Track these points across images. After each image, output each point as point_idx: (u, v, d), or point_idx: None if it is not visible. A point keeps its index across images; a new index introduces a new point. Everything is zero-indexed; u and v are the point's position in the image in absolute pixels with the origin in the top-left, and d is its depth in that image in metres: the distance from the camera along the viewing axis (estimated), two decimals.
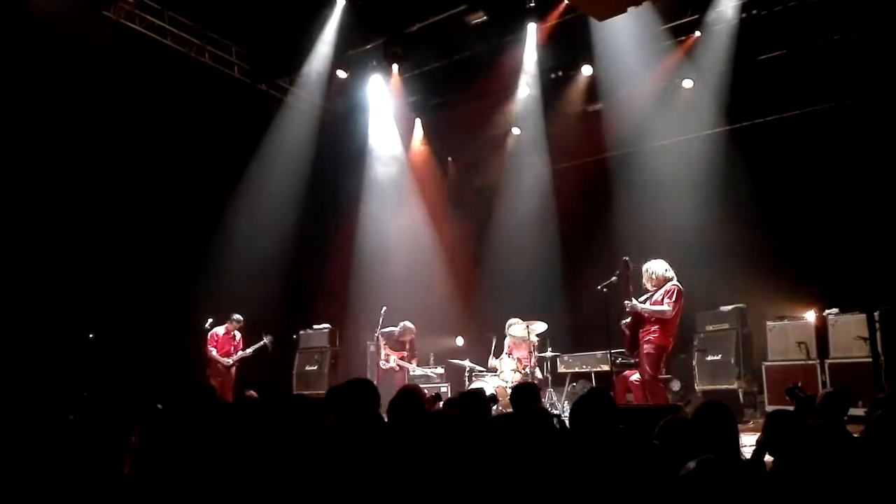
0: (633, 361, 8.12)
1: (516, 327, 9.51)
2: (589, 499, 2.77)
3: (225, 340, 9.94)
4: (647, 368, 6.87)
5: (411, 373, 10.21)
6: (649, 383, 6.87)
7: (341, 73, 11.32)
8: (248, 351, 9.96)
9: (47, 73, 8.53)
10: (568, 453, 3.07)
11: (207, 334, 9.84)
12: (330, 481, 3.08)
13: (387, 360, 10.14)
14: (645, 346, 6.92)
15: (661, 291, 7.03)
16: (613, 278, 7.25)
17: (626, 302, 7.07)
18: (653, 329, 6.95)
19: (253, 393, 4.76)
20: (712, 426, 3.19)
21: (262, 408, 3.80)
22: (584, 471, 2.86)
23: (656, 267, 7.16)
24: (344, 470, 3.13)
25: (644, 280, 7.20)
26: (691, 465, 2.23)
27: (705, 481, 2.19)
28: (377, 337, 10.25)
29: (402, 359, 10.16)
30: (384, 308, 10.19)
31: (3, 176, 8.32)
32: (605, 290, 7.30)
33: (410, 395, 4.28)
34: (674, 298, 6.91)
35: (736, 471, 2.27)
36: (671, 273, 7.14)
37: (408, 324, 10.12)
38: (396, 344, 10.20)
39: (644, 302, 7.06)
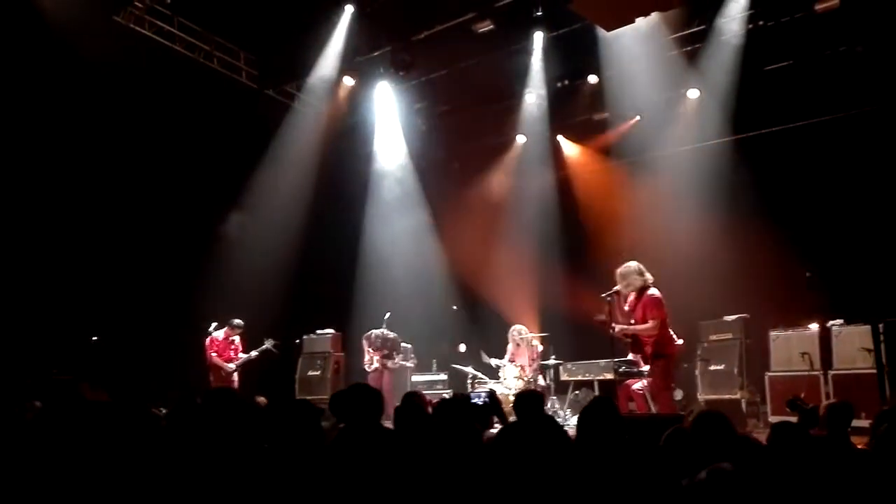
0: (635, 371, 8.12)
1: (518, 334, 9.56)
2: None
3: (224, 345, 9.89)
4: (659, 380, 6.86)
5: (394, 367, 10.20)
6: (659, 393, 6.86)
7: (349, 80, 11.37)
8: (254, 353, 9.92)
9: (57, 78, 8.58)
10: (574, 463, 3.08)
11: (208, 339, 9.85)
12: (332, 487, 3.09)
13: (371, 363, 10.14)
14: (653, 358, 6.91)
15: (641, 305, 6.99)
16: (617, 287, 7.26)
17: (611, 332, 7.07)
18: (650, 341, 6.94)
19: (263, 399, 4.79)
20: (710, 435, 3.20)
21: (267, 413, 3.81)
22: (591, 481, 2.87)
23: (635, 269, 7.09)
24: (346, 475, 3.14)
25: (622, 284, 7.10)
26: (703, 474, 2.24)
27: (717, 490, 2.20)
28: (363, 342, 10.31)
29: (383, 357, 10.13)
30: (388, 314, 10.21)
31: (10, 179, 8.35)
32: (608, 298, 7.30)
33: (412, 401, 4.30)
34: (655, 312, 6.87)
35: (746, 480, 2.28)
36: (647, 276, 7.07)
37: (386, 331, 10.16)
38: (379, 344, 10.19)
39: (630, 316, 7.07)
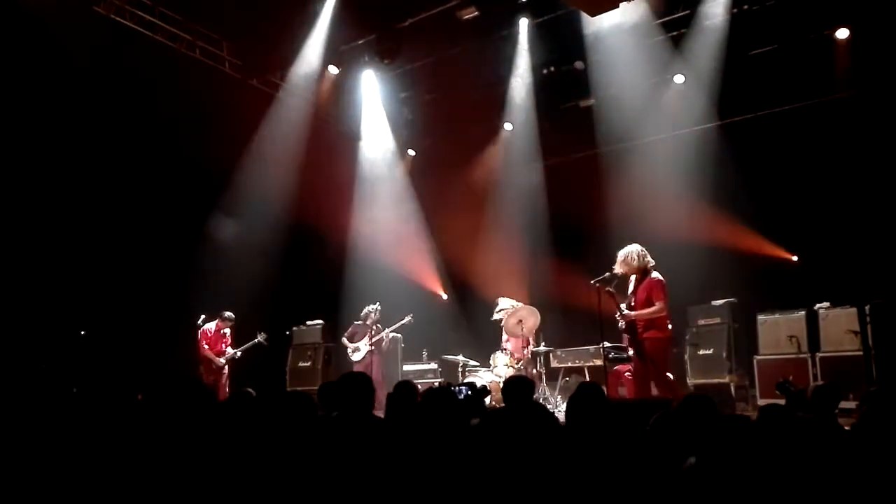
0: (625, 356, 8.15)
1: (503, 302, 9.60)
2: (583, 492, 2.79)
3: (216, 338, 9.88)
4: (655, 365, 6.87)
5: (385, 341, 10.25)
6: (659, 378, 6.86)
7: (333, 69, 11.29)
8: (238, 352, 9.93)
9: (36, 70, 8.47)
10: (562, 448, 3.09)
11: (199, 331, 9.80)
12: (325, 477, 3.08)
13: (357, 351, 10.11)
14: (647, 343, 6.91)
15: (645, 287, 7.00)
16: (606, 273, 7.27)
17: (618, 317, 7.09)
18: (648, 324, 6.95)
19: (251, 392, 4.76)
20: (696, 419, 3.21)
21: (257, 404, 3.79)
22: (578, 465, 2.88)
23: (637, 252, 7.11)
24: (339, 465, 3.13)
25: (618, 267, 7.12)
26: (692, 459, 2.25)
27: (706, 476, 2.21)
28: (343, 340, 10.33)
29: (373, 337, 10.09)
30: (377, 304, 10.20)
31: None
32: (597, 284, 7.32)
33: (405, 390, 4.29)
34: (662, 295, 6.90)
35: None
36: (649, 258, 7.09)
37: (370, 306, 10.17)
38: (363, 330, 10.18)
39: (629, 299, 7.08)
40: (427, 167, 13.20)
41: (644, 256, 7.07)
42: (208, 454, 3.21)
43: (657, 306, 6.86)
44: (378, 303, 10.22)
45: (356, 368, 9.69)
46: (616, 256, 7.22)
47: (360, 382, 3.76)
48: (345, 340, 10.34)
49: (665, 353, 7.03)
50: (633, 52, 10.04)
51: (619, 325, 7.19)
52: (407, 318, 10.35)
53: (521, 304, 9.73)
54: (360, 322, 10.24)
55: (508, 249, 11.52)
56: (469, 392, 4.34)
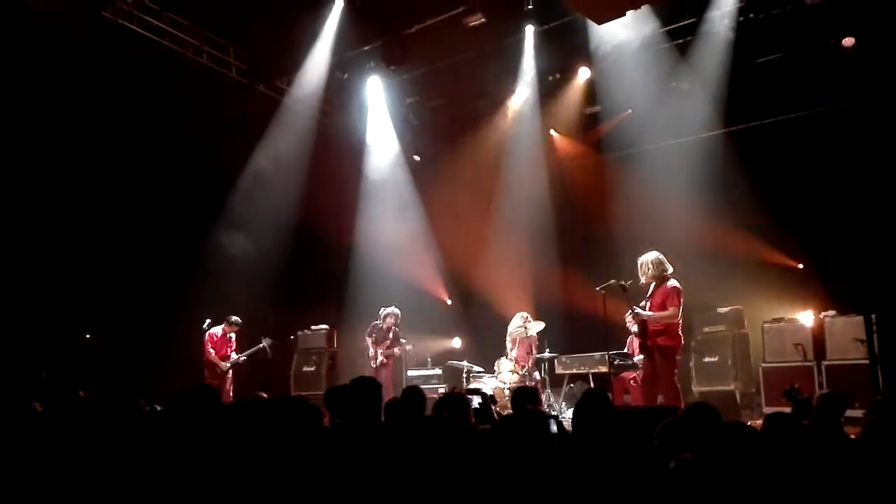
0: (630, 363, 8.15)
1: (514, 321, 9.58)
2: (589, 500, 2.79)
3: (221, 342, 9.89)
4: (664, 370, 6.89)
5: (397, 355, 10.24)
6: (666, 385, 6.88)
7: (339, 75, 11.32)
8: (243, 356, 9.94)
9: (45, 74, 8.52)
10: (567, 455, 3.09)
11: (205, 335, 9.82)
12: (330, 483, 3.09)
13: (375, 358, 10.11)
14: (658, 349, 6.94)
15: (661, 293, 7.03)
16: (612, 281, 7.29)
17: (627, 316, 7.10)
18: (661, 329, 6.97)
19: (263, 395, 4.76)
20: (700, 427, 3.22)
21: (261, 410, 3.80)
22: (585, 472, 2.88)
23: (651, 260, 7.16)
24: (344, 471, 3.14)
25: (640, 274, 7.21)
26: (671, 464, 2.26)
27: (683, 481, 2.21)
28: (367, 339, 10.31)
29: (387, 349, 10.12)
30: (382, 309, 10.21)
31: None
32: (603, 291, 7.33)
33: (413, 394, 4.29)
34: (676, 301, 6.94)
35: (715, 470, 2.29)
36: (667, 266, 7.15)
37: (391, 309, 10.16)
38: (382, 335, 10.17)
39: (645, 303, 7.10)
40: (432, 172, 13.22)
41: (660, 264, 7.13)
42: (217, 459, 3.22)
43: (670, 311, 6.91)
44: (393, 306, 10.22)
45: (368, 372, 9.69)
46: (621, 263, 7.26)
47: (369, 388, 3.75)
48: (368, 341, 10.30)
49: (674, 361, 7.05)
50: (639, 60, 10.05)
51: (629, 326, 7.20)
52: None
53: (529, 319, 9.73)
54: (378, 323, 10.23)
55: (514, 255, 11.51)
56: (480, 402, 4.40)
